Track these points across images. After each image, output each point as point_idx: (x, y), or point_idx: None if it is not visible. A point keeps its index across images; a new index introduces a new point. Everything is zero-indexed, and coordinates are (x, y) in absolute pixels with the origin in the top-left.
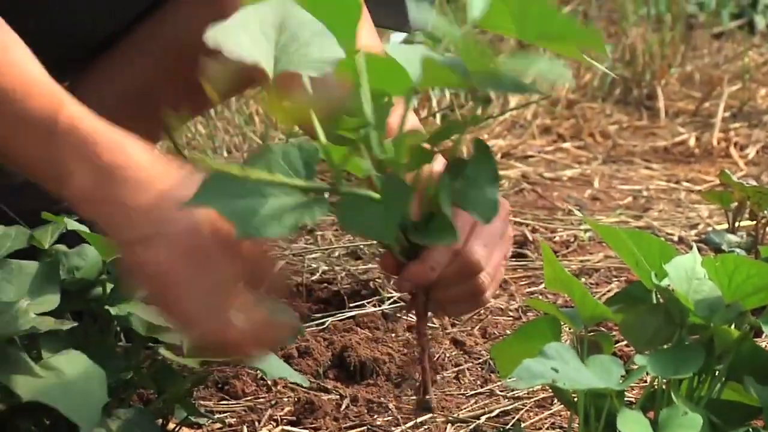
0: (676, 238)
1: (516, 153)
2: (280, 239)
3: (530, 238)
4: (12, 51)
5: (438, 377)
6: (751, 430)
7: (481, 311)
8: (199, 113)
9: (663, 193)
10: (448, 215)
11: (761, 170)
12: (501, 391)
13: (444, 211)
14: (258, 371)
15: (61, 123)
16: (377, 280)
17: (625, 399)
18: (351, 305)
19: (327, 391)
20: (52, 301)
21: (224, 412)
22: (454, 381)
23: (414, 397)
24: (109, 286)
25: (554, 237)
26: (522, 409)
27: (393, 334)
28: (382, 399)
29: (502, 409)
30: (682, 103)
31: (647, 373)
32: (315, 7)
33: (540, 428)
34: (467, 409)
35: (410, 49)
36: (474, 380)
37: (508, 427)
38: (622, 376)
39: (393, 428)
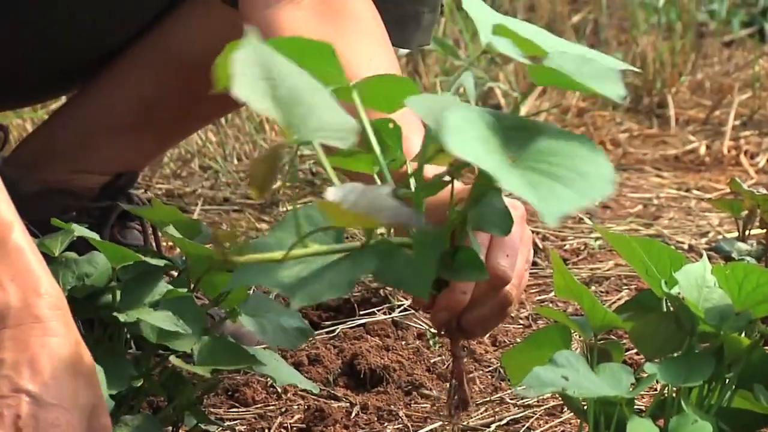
0: (686, 247)
1: None
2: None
3: (540, 246)
4: None
5: (447, 384)
6: None
7: None
8: (207, 123)
9: (673, 201)
10: (475, 250)
11: None
12: (511, 399)
13: (473, 246)
14: (268, 378)
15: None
16: (387, 287)
17: (635, 407)
18: (361, 313)
19: (337, 398)
20: None
21: (234, 419)
22: (465, 349)
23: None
24: (119, 294)
25: (564, 245)
26: (532, 417)
27: (403, 342)
28: (392, 407)
29: (512, 417)
30: (692, 111)
31: (657, 381)
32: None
33: None
34: (477, 417)
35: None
36: (484, 388)
37: None
38: (632, 384)
39: None
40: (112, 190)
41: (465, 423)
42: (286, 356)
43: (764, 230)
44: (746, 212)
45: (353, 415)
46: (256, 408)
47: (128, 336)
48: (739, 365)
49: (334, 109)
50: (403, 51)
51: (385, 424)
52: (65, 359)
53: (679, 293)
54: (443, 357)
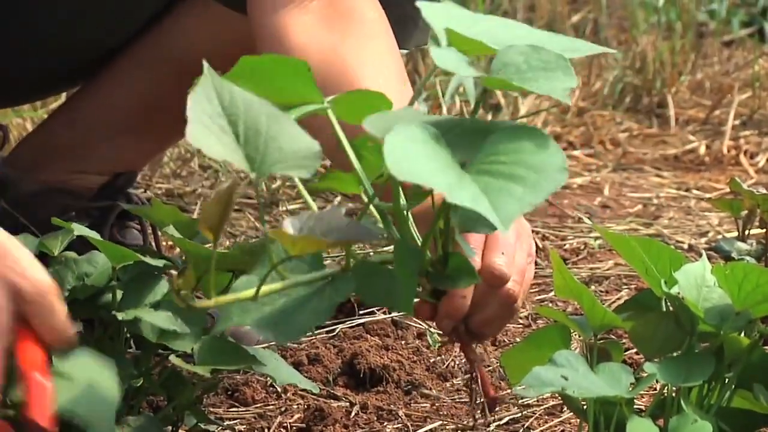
0: (686, 246)
1: None
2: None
3: (540, 246)
4: None
5: (447, 384)
6: None
7: None
8: None
9: (673, 201)
10: (466, 253)
11: None
12: (511, 399)
13: (464, 250)
14: (268, 378)
15: None
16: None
17: (635, 407)
18: (361, 312)
19: (337, 398)
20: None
21: (234, 419)
22: (464, 388)
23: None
24: (119, 293)
25: (564, 245)
26: (532, 416)
27: (403, 342)
28: (392, 406)
29: (512, 416)
30: (692, 111)
31: (657, 381)
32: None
33: None
34: (477, 417)
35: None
36: None
37: None
38: (631, 384)
39: None
40: (112, 189)
41: (465, 423)
42: (285, 356)
43: (764, 230)
44: (746, 212)
45: (353, 414)
46: (256, 407)
47: (128, 335)
48: (738, 365)
49: (296, 137)
50: (403, 50)
51: (385, 423)
52: None
53: (678, 293)
54: (443, 357)
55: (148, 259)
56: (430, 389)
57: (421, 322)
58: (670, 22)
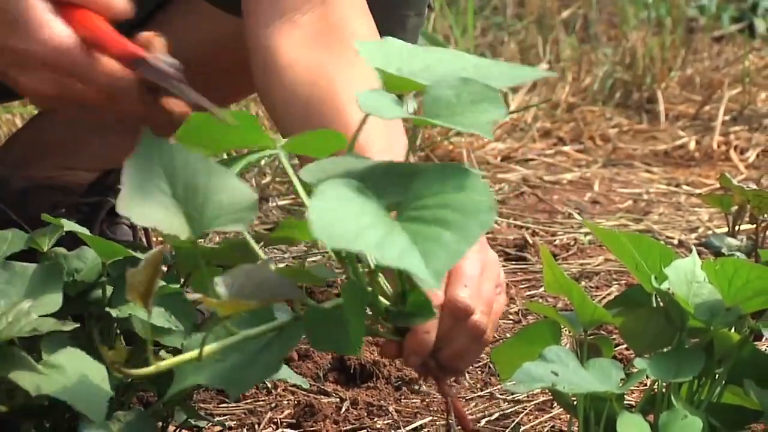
0: (676, 242)
1: (516, 156)
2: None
3: (530, 242)
4: None
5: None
6: None
7: None
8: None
9: (663, 196)
10: (422, 290)
11: (761, 174)
12: (501, 395)
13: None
14: None
15: None
16: None
17: (625, 402)
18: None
19: (327, 394)
20: (54, 302)
21: (224, 415)
22: (454, 384)
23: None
24: (110, 289)
25: (554, 240)
26: (522, 412)
27: None
28: (382, 402)
29: (501, 412)
30: (682, 107)
31: (647, 377)
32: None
33: (540, 431)
34: (467, 412)
35: None
36: (474, 383)
37: (507, 430)
38: (621, 380)
39: (393, 431)
40: (102, 186)
41: (455, 419)
42: None
43: (754, 225)
44: (736, 208)
45: (343, 410)
46: (246, 403)
47: (118, 331)
48: (729, 361)
49: (235, 190)
50: None
51: (375, 419)
52: None
53: (668, 288)
54: None
55: (138, 255)
56: (420, 385)
57: None
58: (660, 18)
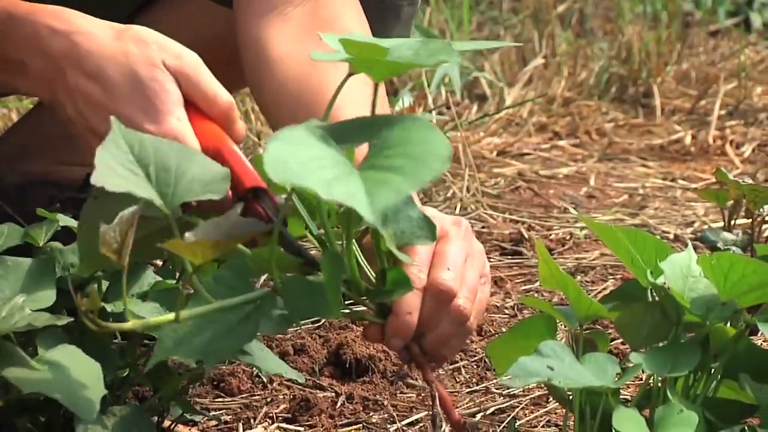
0: (671, 236)
1: (512, 151)
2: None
3: (526, 236)
4: None
5: (433, 374)
6: (746, 428)
7: None
8: None
9: (659, 191)
10: (403, 261)
11: (757, 168)
12: (497, 389)
13: (394, 254)
14: (254, 368)
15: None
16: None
17: (621, 397)
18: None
19: (323, 388)
20: (48, 297)
21: (220, 409)
22: (450, 378)
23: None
24: (105, 284)
25: (550, 235)
26: (518, 406)
27: None
28: (377, 396)
29: (497, 406)
30: (678, 101)
31: (643, 371)
32: None
33: (535, 426)
34: (463, 407)
35: None
36: (470, 378)
37: (503, 424)
38: (617, 374)
39: (389, 425)
40: None
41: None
42: (271, 346)
43: (750, 220)
44: (732, 202)
45: (339, 404)
46: (242, 398)
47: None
48: (724, 355)
49: (206, 166)
50: None
51: (371, 413)
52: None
53: (664, 283)
54: None
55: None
56: (416, 379)
57: None
58: (655, 12)
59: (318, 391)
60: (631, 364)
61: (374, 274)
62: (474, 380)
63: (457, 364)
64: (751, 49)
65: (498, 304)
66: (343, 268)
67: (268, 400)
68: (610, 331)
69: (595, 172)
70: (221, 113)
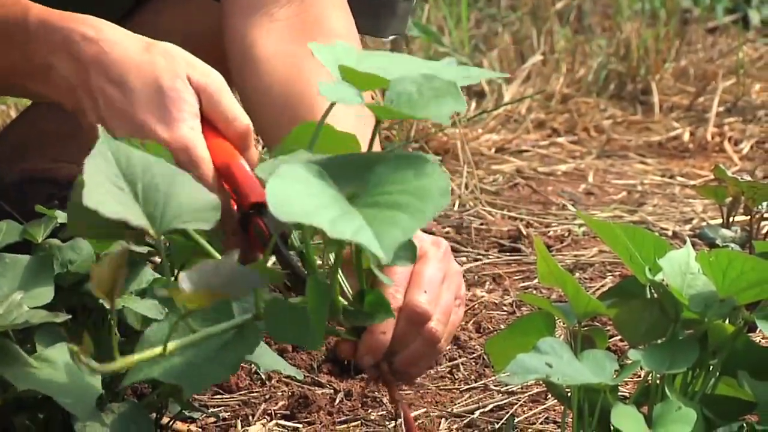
0: (670, 233)
1: (510, 148)
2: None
3: (524, 233)
4: None
5: (431, 371)
6: (745, 425)
7: (475, 305)
8: None
9: (657, 187)
10: (384, 283)
11: (755, 165)
12: (495, 386)
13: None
14: (252, 365)
15: (32, 23)
16: None
17: (619, 394)
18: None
19: (321, 385)
20: (46, 294)
21: (218, 406)
22: (448, 375)
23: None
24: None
25: (548, 232)
26: (516, 403)
27: None
28: (376, 393)
29: (496, 403)
30: (676, 98)
31: (641, 368)
32: None
33: (534, 423)
34: (461, 404)
35: None
36: (468, 375)
37: (501, 421)
38: (616, 371)
39: (387, 422)
40: None
41: (449, 410)
42: (270, 343)
43: (748, 217)
44: (730, 199)
45: (337, 401)
46: (240, 395)
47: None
48: (723, 352)
49: (195, 193)
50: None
51: (369, 410)
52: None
53: (663, 280)
54: None
55: (132, 246)
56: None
57: None
58: (654, 9)
59: (316, 387)
60: (630, 361)
61: (350, 291)
62: (472, 377)
63: (456, 361)
64: (750, 46)
65: (496, 301)
66: (329, 298)
67: (267, 397)
68: (608, 328)
69: (593, 169)
70: (237, 136)
